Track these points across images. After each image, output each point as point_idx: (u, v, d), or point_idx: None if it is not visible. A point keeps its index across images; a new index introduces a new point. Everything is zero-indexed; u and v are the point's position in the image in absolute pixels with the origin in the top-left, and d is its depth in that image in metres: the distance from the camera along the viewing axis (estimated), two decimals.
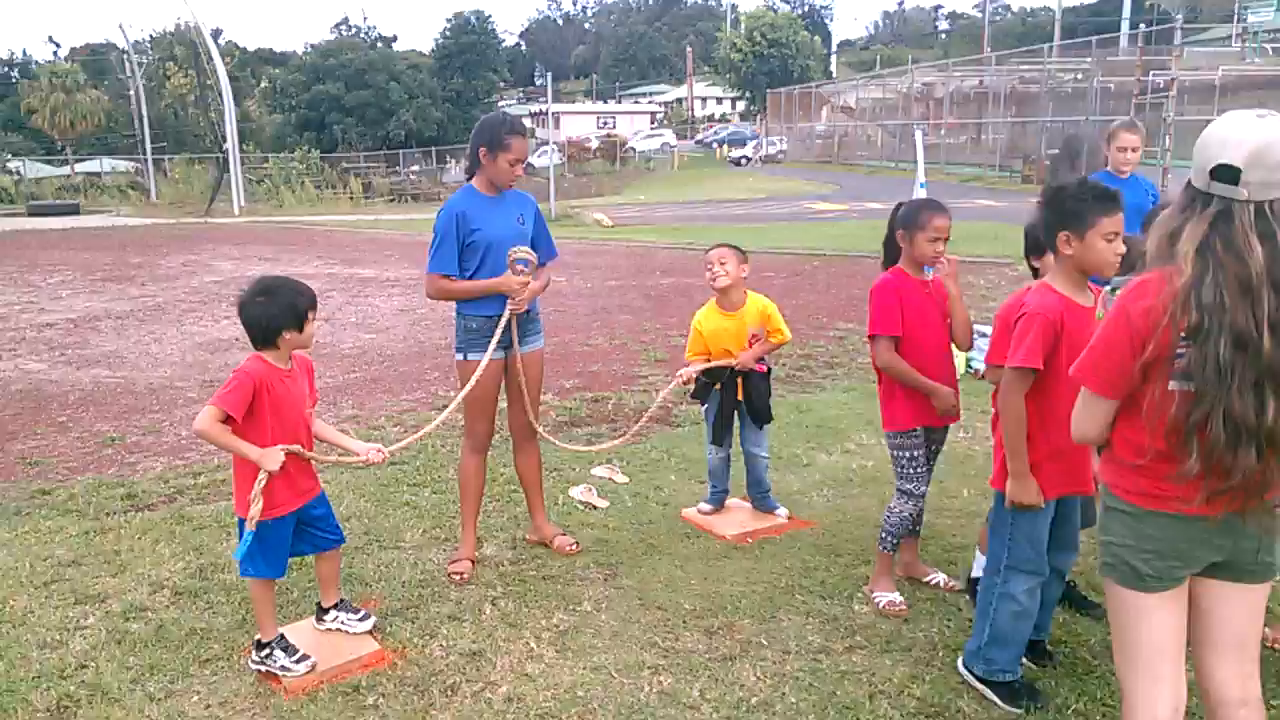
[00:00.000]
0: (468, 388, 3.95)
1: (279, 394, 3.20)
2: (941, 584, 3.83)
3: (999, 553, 3.00)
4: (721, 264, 4.33)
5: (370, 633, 3.55)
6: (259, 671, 3.30)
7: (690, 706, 3.08)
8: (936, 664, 3.28)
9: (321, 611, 3.60)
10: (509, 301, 3.97)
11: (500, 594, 3.89)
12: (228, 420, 3.09)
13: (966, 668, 3.14)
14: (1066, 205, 2.72)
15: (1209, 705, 2.27)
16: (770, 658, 3.36)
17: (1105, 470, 2.26)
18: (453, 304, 4.13)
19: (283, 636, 3.37)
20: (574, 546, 4.30)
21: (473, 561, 4.15)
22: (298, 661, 3.29)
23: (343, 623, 3.56)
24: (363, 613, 3.60)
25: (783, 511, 4.63)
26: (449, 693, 3.19)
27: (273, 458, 3.12)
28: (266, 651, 3.30)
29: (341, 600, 3.62)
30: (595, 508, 4.86)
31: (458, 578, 4.03)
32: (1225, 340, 1.96)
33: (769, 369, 4.52)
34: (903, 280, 3.58)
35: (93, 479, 5.46)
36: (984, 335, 7.12)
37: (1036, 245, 3.35)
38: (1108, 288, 2.34)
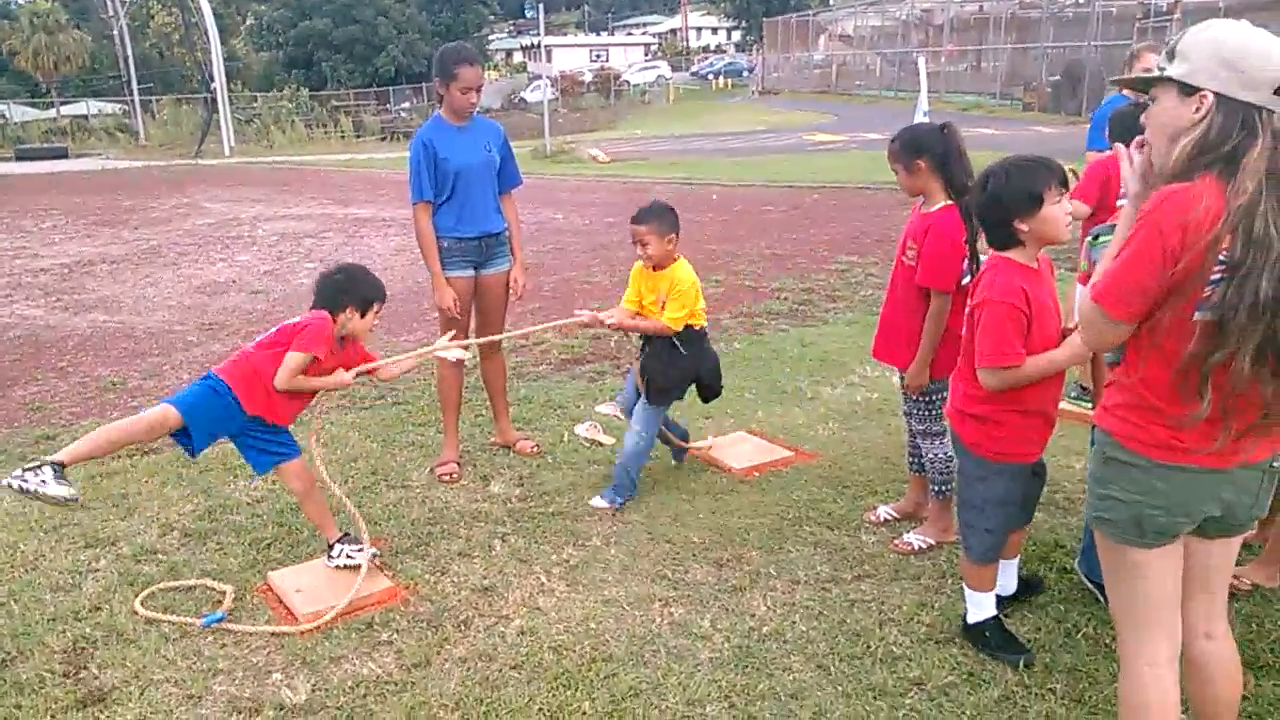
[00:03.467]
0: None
1: (328, 363, 3.42)
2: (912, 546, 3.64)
3: None
4: (643, 245, 3.96)
5: (382, 570, 3.56)
6: (339, 566, 3.52)
7: (702, 636, 3.11)
8: (945, 591, 3.30)
9: (329, 548, 3.61)
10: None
11: (509, 530, 3.91)
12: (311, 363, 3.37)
13: (1079, 569, 3.26)
14: None
15: (1184, 638, 2.22)
16: (779, 588, 3.38)
17: (1110, 420, 2.11)
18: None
19: (347, 534, 3.59)
20: (535, 448, 4.67)
21: (458, 463, 4.52)
22: (360, 551, 3.52)
23: (348, 555, 3.56)
24: (362, 545, 3.58)
25: (600, 502, 4.09)
26: (462, 627, 3.22)
27: (343, 380, 3.49)
28: (337, 550, 3.53)
29: (346, 534, 3.62)
30: (600, 444, 4.85)
31: (448, 478, 4.40)
32: (1268, 280, 1.83)
33: (686, 351, 4.01)
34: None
35: (95, 423, 5.44)
36: None
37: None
38: (1090, 237, 2.21)
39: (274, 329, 3.47)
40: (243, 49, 50.11)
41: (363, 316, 3.46)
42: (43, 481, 3.13)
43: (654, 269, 4.03)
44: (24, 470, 3.13)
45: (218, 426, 3.38)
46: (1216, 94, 1.91)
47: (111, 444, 3.34)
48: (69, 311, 8.52)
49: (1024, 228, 2.71)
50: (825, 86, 42.65)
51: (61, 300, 9.00)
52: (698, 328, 4.09)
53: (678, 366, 4.04)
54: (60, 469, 3.17)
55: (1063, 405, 3.27)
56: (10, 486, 3.11)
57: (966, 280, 3.43)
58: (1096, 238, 2.18)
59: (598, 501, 4.09)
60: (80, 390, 6.17)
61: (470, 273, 4.45)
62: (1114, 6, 28.65)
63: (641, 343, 4.19)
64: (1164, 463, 2.02)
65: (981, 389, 2.76)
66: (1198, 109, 1.93)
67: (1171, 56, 1.99)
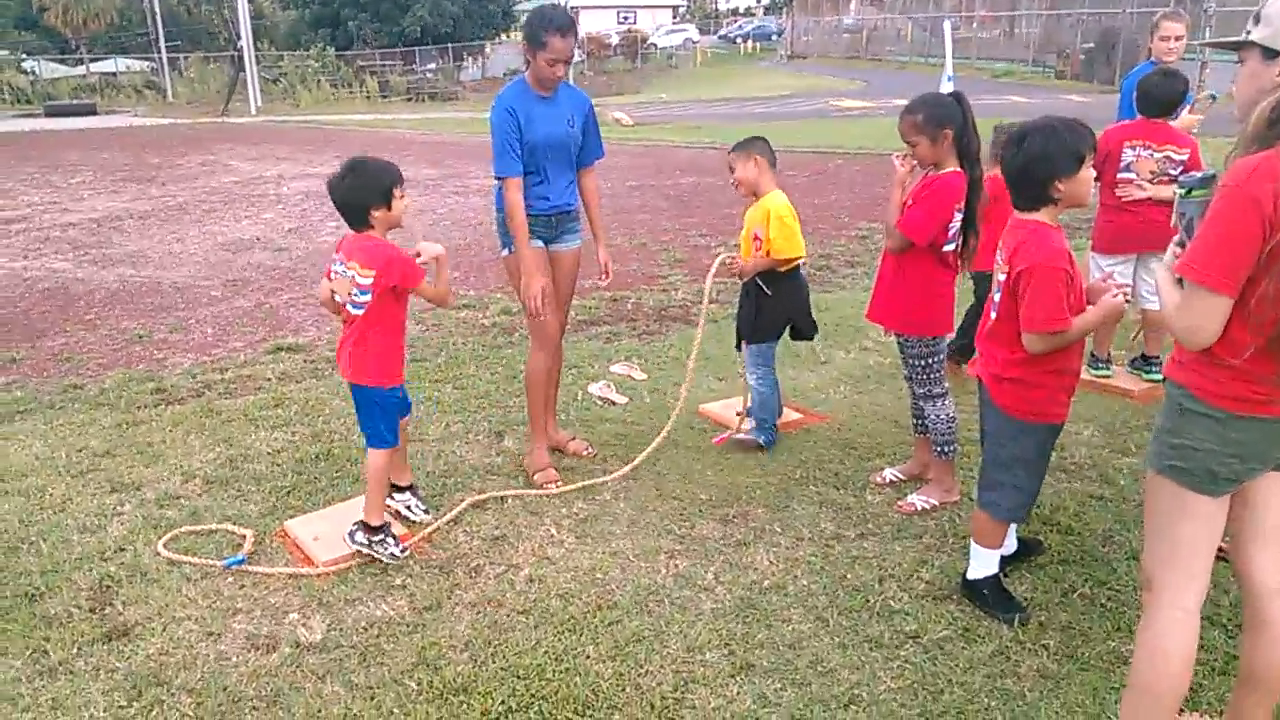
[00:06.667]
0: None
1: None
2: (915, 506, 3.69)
3: None
4: (730, 170, 4.17)
5: (397, 518, 3.66)
6: (358, 552, 3.37)
7: (705, 588, 3.18)
8: (946, 550, 3.36)
9: (394, 489, 3.66)
10: None
11: (521, 484, 3.99)
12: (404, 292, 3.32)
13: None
14: None
15: (1249, 595, 2.26)
16: (783, 544, 3.45)
17: (1183, 372, 2.14)
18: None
19: (389, 524, 3.45)
20: (590, 450, 4.31)
21: (555, 467, 4.07)
22: (404, 551, 3.42)
23: (409, 507, 3.67)
24: (426, 507, 3.70)
25: (746, 438, 4.29)
26: (473, 574, 3.31)
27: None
28: (380, 538, 3.38)
29: (412, 485, 3.73)
30: (614, 403, 4.93)
31: (553, 486, 3.93)
32: None
33: (771, 290, 4.11)
34: None
35: (122, 374, 5.58)
36: None
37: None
38: (1181, 190, 2.16)
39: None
40: (269, 7, 49.88)
41: (390, 209, 3.25)
42: (393, 555, 3.38)
43: (750, 197, 4.13)
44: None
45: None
46: None
47: (382, 493, 3.48)
48: (97, 265, 8.66)
49: (1062, 188, 2.70)
50: (855, 52, 42.12)
51: (90, 254, 9.15)
52: (783, 268, 4.11)
53: (765, 308, 4.14)
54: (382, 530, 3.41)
55: None
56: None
57: (949, 248, 3.48)
58: (1190, 191, 2.14)
59: (742, 438, 4.27)
60: (108, 342, 6.31)
61: (539, 244, 3.98)
62: None
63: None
64: (1242, 414, 2.06)
65: (1020, 352, 2.77)
66: None
67: (1257, 20, 2.03)
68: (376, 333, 3.33)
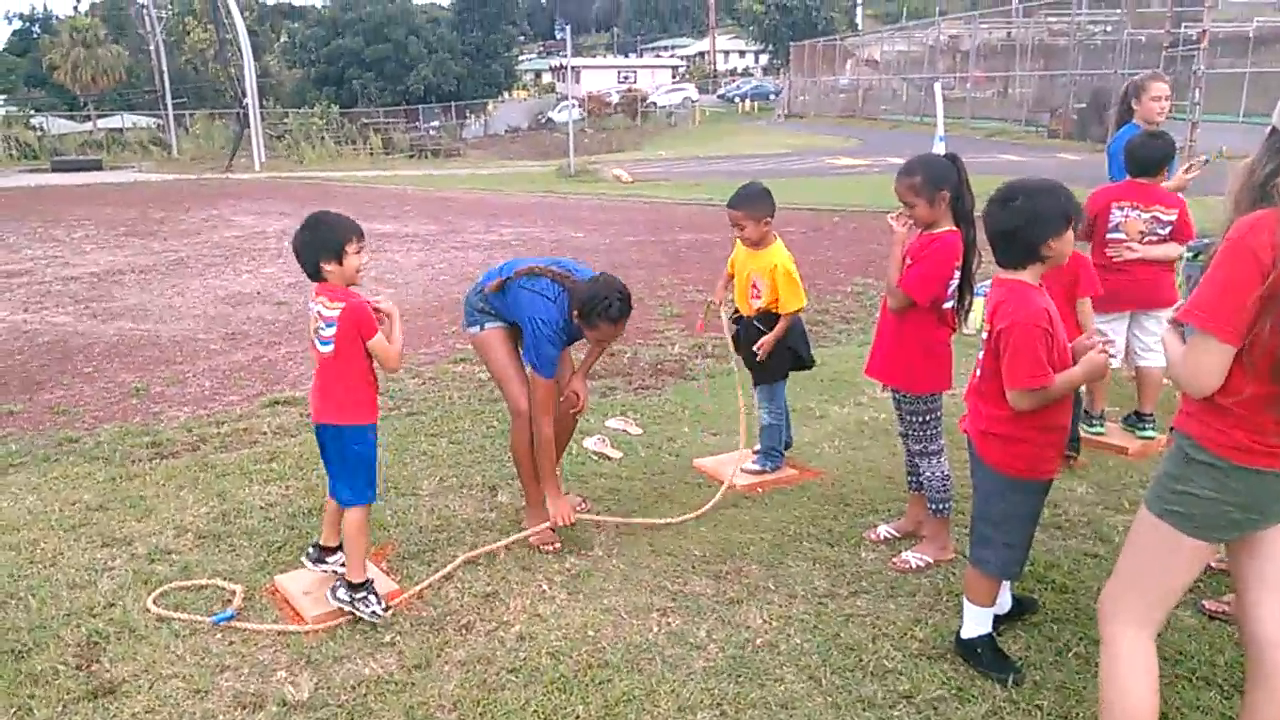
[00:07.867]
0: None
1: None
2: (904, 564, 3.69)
3: None
4: (740, 229, 4.30)
5: (388, 574, 3.64)
6: (340, 609, 3.34)
7: (697, 646, 3.16)
8: (940, 609, 3.34)
9: (324, 552, 3.60)
10: None
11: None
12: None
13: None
14: None
15: (1253, 647, 2.28)
16: (776, 601, 3.43)
17: (1191, 423, 2.20)
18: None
19: (371, 581, 3.42)
20: (585, 504, 4.30)
21: (553, 528, 3.95)
22: (386, 609, 3.37)
23: (342, 565, 3.54)
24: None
25: (752, 466, 4.60)
26: (463, 631, 3.29)
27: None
28: (363, 594, 3.35)
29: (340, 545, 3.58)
30: (609, 458, 4.93)
31: (550, 549, 3.87)
32: None
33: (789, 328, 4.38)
34: None
35: (118, 427, 5.59)
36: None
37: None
38: (1188, 253, 2.31)
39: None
40: (276, 66, 50.89)
41: (341, 264, 3.25)
42: (374, 614, 3.35)
43: (753, 247, 4.35)
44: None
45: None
46: (1272, 128, 2.13)
47: (364, 548, 3.47)
48: (97, 319, 8.71)
49: (1054, 247, 2.73)
50: (850, 111, 42.76)
51: (90, 308, 9.20)
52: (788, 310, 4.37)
53: (775, 350, 4.36)
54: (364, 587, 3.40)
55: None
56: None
57: (949, 305, 3.52)
58: (1197, 255, 2.28)
59: (750, 465, 4.57)
60: (105, 395, 6.32)
61: (500, 324, 3.98)
62: (1143, 35, 28.59)
63: (735, 331, 4.56)
64: (1242, 465, 2.12)
65: (1006, 409, 2.79)
66: None
67: None
68: (345, 370, 3.31)
